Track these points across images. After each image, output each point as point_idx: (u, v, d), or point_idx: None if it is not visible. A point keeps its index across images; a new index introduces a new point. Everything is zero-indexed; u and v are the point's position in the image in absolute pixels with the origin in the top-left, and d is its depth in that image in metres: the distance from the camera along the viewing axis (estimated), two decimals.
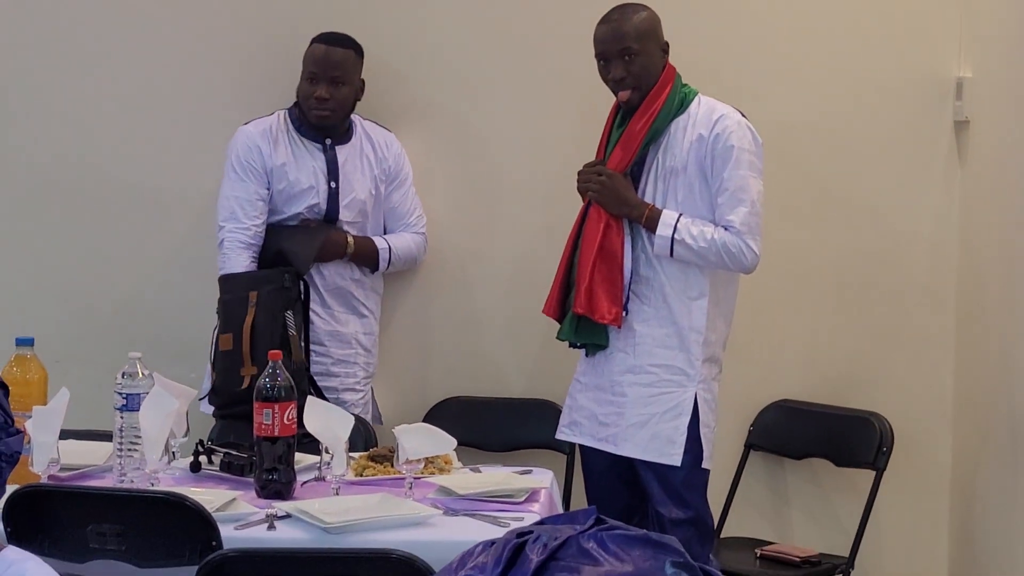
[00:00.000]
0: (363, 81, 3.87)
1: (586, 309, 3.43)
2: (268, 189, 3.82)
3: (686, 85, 3.53)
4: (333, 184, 3.85)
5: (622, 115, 3.52)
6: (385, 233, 3.99)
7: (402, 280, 4.13)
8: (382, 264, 3.95)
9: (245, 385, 3.59)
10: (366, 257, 3.93)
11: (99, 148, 4.19)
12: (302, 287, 3.77)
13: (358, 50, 3.84)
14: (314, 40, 3.81)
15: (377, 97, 4.01)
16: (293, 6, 4.11)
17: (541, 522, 1.99)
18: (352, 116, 3.91)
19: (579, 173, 3.55)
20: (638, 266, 3.48)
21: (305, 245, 3.79)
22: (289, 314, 3.67)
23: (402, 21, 4.10)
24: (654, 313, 3.48)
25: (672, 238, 3.38)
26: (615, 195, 3.44)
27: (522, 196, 4.13)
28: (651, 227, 3.41)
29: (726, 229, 3.39)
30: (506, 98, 4.12)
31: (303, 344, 3.74)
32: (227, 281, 3.76)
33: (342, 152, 3.87)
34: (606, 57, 3.46)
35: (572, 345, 3.57)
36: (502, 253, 4.15)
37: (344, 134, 3.89)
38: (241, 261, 3.76)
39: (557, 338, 3.58)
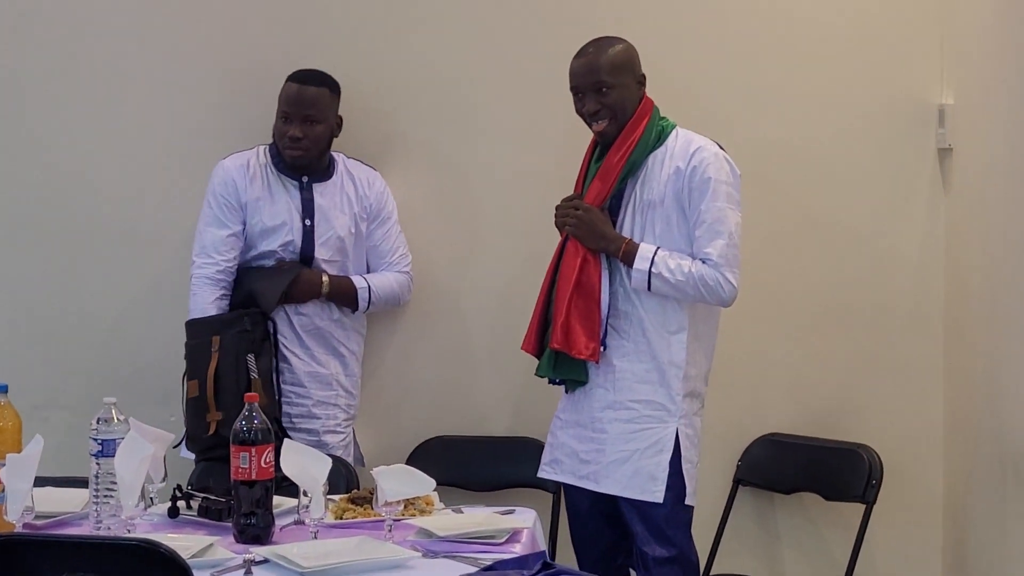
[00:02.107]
0: (340, 118, 3.91)
1: (563, 344, 3.46)
2: (243, 225, 3.86)
3: (664, 118, 3.58)
4: (308, 222, 3.88)
5: (600, 149, 3.56)
6: (369, 272, 4.02)
7: (386, 318, 4.16)
8: (361, 304, 3.96)
9: (211, 431, 3.64)
10: (344, 297, 3.94)
11: (75, 185, 4.21)
12: (271, 327, 3.80)
13: (333, 87, 3.88)
14: (288, 78, 3.84)
15: (358, 133, 4.06)
16: (273, 41, 4.16)
17: (491, 567, 2.02)
18: (334, 154, 3.94)
19: (556, 207, 3.58)
20: (616, 300, 3.51)
21: (272, 285, 3.81)
22: (251, 357, 3.70)
23: (383, 57, 4.15)
24: (633, 348, 3.51)
25: (649, 272, 3.42)
26: (592, 229, 3.47)
27: (503, 230, 4.17)
28: (628, 261, 3.45)
29: (704, 262, 3.42)
30: (486, 133, 4.17)
31: (275, 387, 3.77)
32: (191, 326, 3.80)
33: (320, 190, 3.90)
34: (580, 91, 3.50)
35: (551, 381, 3.60)
36: (484, 288, 4.19)
37: (323, 171, 3.92)
38: (206, 297, 3.80)
39: (536, 374, 3.61)
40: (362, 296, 3.96)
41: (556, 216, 3.58)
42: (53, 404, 4.11)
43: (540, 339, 3.57)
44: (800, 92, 4.12)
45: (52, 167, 4.23)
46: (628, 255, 3.45)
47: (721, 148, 3.53)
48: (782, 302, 4.15)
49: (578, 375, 3.53)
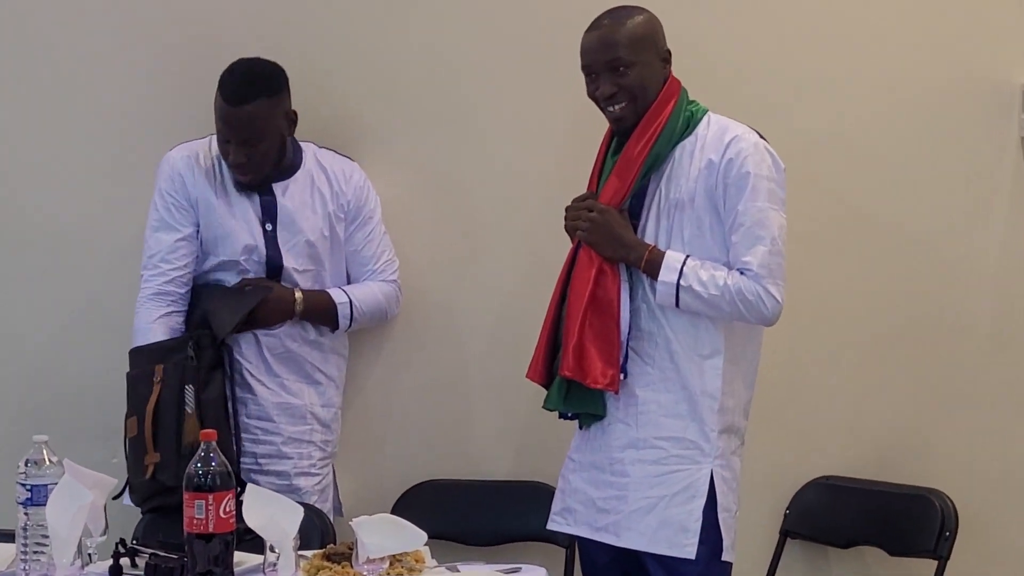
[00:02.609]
0: (292, 113, 3.86)
1: (575, 372, 3.43)
2: (195, 227, 3.87)
3: (693, 102, 3.55)
4: (269, 226, 3.87)
5: (617, 140, 3.54)
6: (349, 282, 4.00)
7: (370, 338, 4.14)
8: (342, 322, 3.95)
9: (148, 475, 3.64)
10: (321, 314, 3.93)
11: (9, 190, 4.24)
12: (225, 356, 3.79)
13: (272, 90, 3.80)
14: (219, 87, 3.79)
15: (335, 126, 4.07)
16: (229, 15, 4.16)
17: None
18: (304, 144, 3.94)
19: (567, 209, 3.56)
20: (638, 319, 3.49)
21: (230, 306, 3.81)
22: (189, 389, 3.69)
23: (363, 42, 4.15)
24: (659, 375, 3.48)
25: (677, 285, 3.39)
26: (608, 234, 3.45)
27: (503, 235, 4.18)
28: (652, 272, 3.42)
29: (742, 272, 3.39)
30: (482, 125, 4.18)
31: (231, 424, 3.77)
32: (133, 355, 3.79)
33: (284, 188, 3.90)
34: (594, 70, 3.48)
35: (563, 416, 3.58)
36: (483, 304, 4.18)
37: (287, 169, 3.91)
38: (148, 316, 3.81)
39: (544, 407, 3.59)
40: (342, 312, 3.95)
41: (567, 219, 3.56)
42: None
43: (548, 365, 3.55)
44: (855, 73, 4.10)
45: None
46: (652, 265, 3.43)
47: (762, 137, 3.49)
48: (836, 321, 4.13)
49: (594, 408, 3.51)
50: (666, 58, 3.52)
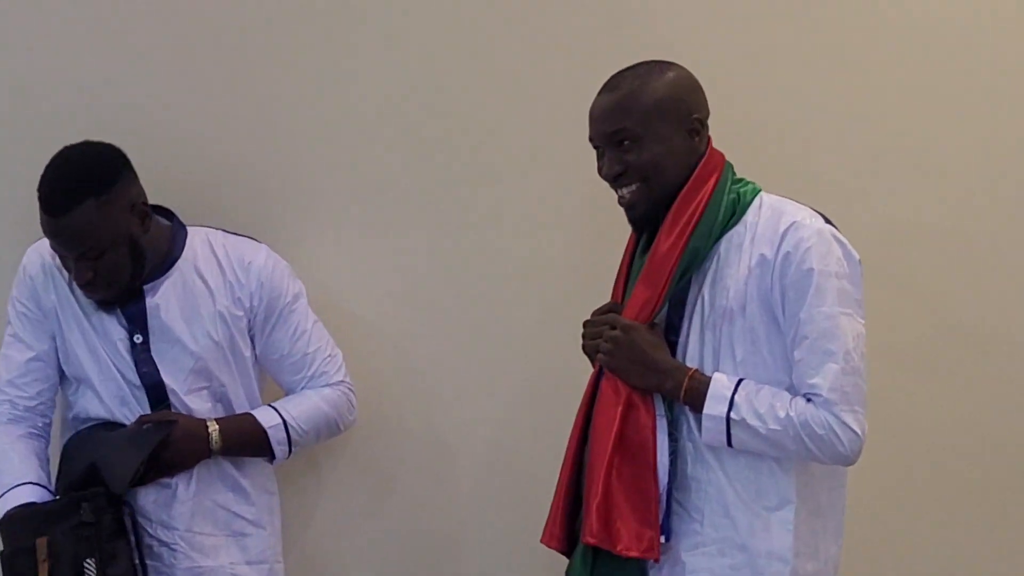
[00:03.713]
0: (139, 206, 3.46)
1: (601, 538, 3.06)
2: (53, 342, 3.56)
3: (741, 180, 3.19)
4: (139, 337, 3.50)
5: (647, 236, 3.20)
6: (286, 391, 3.65)
7: (303, 463, 3.75)
8: (278, 450, 3.55)
9: None
10: (247, 446, 3.54)
11: None
12: (127, 519, 3.43)
13: (100, 184, 3.38)
14: (38, 198, 3.43)
15: (270, 197, 3.75)
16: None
17: None
18: (191, 229, 3.60)
19: (585, 325, 3.22)
20: (683, 464, 3.12)
21: (125, 453, 3.43)
22: (90, 564, 3.34)
23: (336, 74, 3.81)
24: (712, 535, 3.11)
25: (728, 419, 3.02)
26: (637, 358, 3.10)
27: (500, 344, 3.84)
28: (696, 404, 3.06)
29: (808, 399, 3.02)
30: (474, 196, 3.83)
31: None
32: (4, 526, 3.41)
33: (155, 288, 3.53)
34: (597, 144, 3.20)
35: None
36: (474, 436, 3.84)
37: (160, 265, 3.55)
38: (7, 434, 3.46)
39: None
40: (276, 438, 3.52)
41: (584, 338, 3.23)
42: None
43: (568, 527, 3.20)
44: (953, 147, 3.83)
45: None
46: (694, 395, 3.05)
47: (829, 222, 3.11)
48: (936, 456, 3.89)
49: None
50: (696, 128, 3.17)
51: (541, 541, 3.23)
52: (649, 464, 3.08)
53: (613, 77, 3.19)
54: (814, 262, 3.01)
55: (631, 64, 3.21)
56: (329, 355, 3.61)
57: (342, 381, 3.62)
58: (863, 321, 3.05)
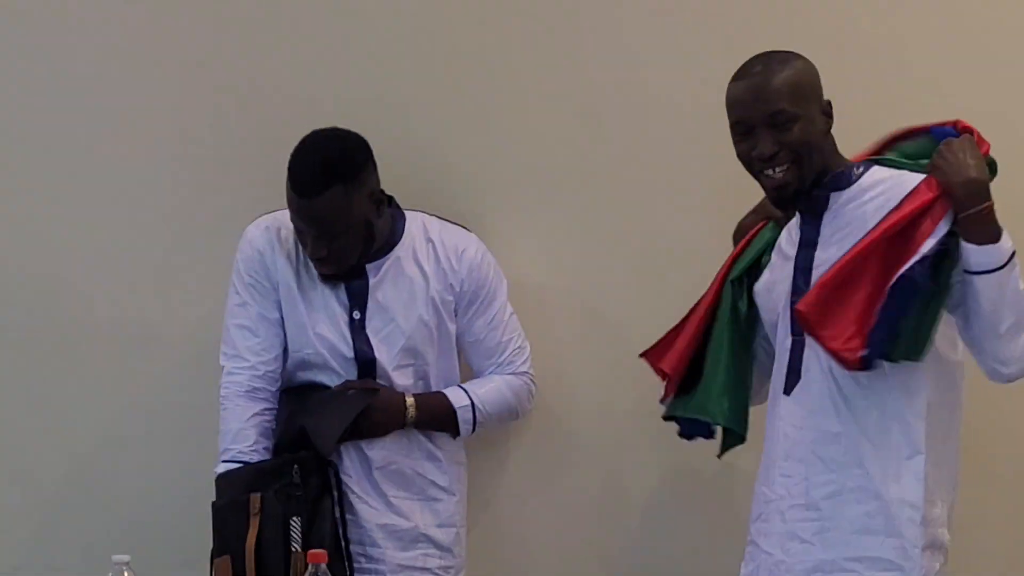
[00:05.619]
0: (378, 193, 3.61)
1: (814, 313, 3.11)
2: (281, 312, 3.69)
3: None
4: (357, 314, 3.63)
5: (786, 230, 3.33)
6: (475, 372, 3.77)
7: (495, 436, 3.89)
8: (463, 428, 3.69)
9: None
10: (438, 421, 3.68)
11: (54, 280, 4.04)
12: (332, 479, 3.57)
13: (349, 172, 3.54)
14: (288, 174, 3.58)
15: (451, 189, 3.89)
16: (302, 78, 3.97)
17: None
18: (411, 213, 3.72)
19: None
20: (822, 419, 3.22)
21: (331, 418, 3.57)
22: (295, 521, 3.47)
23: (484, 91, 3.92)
24: (849, 484, 3.20)
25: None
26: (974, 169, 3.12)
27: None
28: (985, 233, 3.09)
29: None
30: (631, 186, 3.90)
31: (345, 560, 3.53)
32: (221, 481, 3.57)
33: (377, 269, 3.66)
34: (748, 126, 3.22)
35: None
36: (642, 402, 3.74)
37: (383, 248, 3.67)
38: (239, 415, 3.60)
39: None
40: (463, 417, 3.67)
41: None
42: (34, 566, 3.98)
43: (688, 362, 3.42)
44: None
45: (22, 258, 4.05)
46: (987, 225, 3.09)
47: None
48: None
49: (737, 425, 3.39)
50: (828, 111, 3.28)
51: (649, 359, 3.43)
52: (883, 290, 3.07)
53: (747, 64, 3.23)
54: None
55: (757, 55, 3.25)
56: (519, 346, 3.75)
57: (526, 372, 3.75)
58: None
